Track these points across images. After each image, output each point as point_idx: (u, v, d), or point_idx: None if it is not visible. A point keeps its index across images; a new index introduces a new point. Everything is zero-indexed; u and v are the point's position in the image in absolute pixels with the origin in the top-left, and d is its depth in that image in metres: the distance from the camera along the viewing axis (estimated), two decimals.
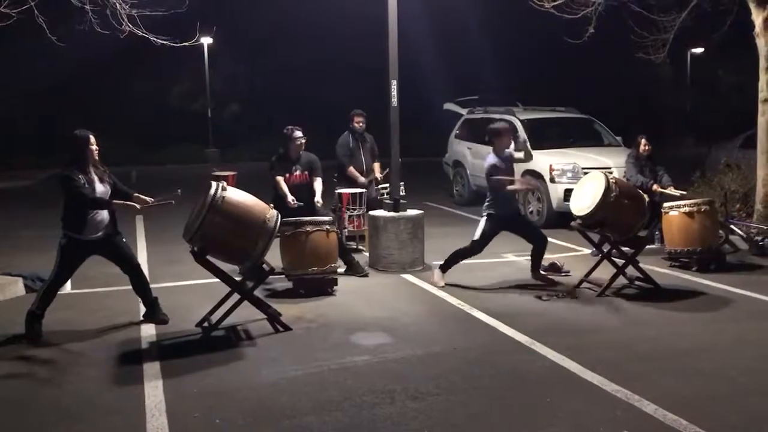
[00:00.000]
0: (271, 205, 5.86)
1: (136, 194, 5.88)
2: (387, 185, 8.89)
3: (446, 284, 7.18)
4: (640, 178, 8.41)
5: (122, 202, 5.75)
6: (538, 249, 7.27)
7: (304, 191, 7.63)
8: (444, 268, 7.31)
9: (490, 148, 7.26)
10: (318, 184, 7.72)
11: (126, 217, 7.11)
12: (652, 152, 8.70)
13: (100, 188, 5.70)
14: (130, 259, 6.01)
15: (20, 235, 10.69)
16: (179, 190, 5.81)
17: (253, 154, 26.61)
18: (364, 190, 8.80)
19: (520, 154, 7.48)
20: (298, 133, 7.67)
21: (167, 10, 8.00)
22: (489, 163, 7.09)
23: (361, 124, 9.11)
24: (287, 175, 7.63)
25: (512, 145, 7.37)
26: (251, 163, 22.44)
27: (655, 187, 8.36)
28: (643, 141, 8.68)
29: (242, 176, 10.88)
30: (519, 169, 10.33)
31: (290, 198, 7.43)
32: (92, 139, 5.70)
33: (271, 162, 7.80)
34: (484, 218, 7.19)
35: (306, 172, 7.70)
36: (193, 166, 24.98)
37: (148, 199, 5.85)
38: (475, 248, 7.24)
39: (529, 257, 7.37)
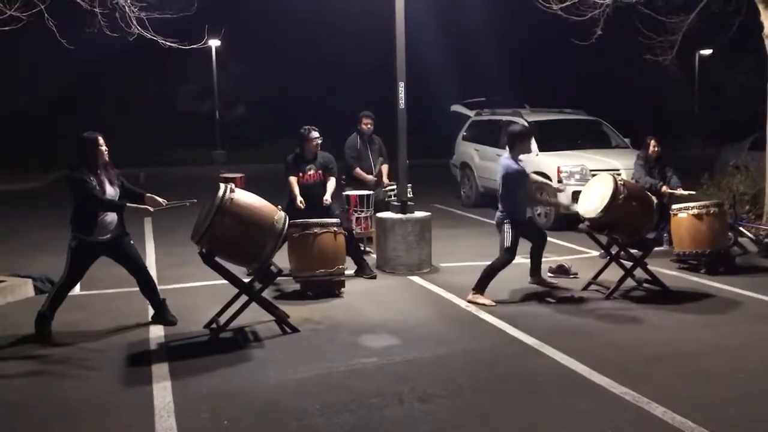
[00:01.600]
0: (280, 207, 5.87)
1: (149, 194, 5.90)
2: (394, 187, 8.89)
3: (451, 286, 7.17)
4: (648, 180, 8.39)
5: (135, 205, 5.77)
6: (539, 250, 7.17)
7: (317, 191, 7.66)
8: (481, 288, 6.73)
9: (497, 150, 7.21)
10: (330, 184, 7.75)
11: (135, 219, 7.13)
12: (661, 154, 8.69)
13: (110, 190, 5.72)
14: (138, 261, 6.03)
15: (29, 236, 10.73)
16: (195, 200, 5.85)
17: (261, 156, 26.65)
18: (371, 192, 8.80)
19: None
20: (315, 134, 7.70)
21: (176, 13, 8.04)
22: (509, 169, 6.61)
23: (369, 126, 9.11)
24: (300, 174, 7.67)
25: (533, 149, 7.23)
26: (259, 165, 22.48)
27: (663, 189, 8.35)
28: (653, 143, 8.67)
29: (250, 178, 10.89)
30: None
31: (299, 199, 7.46)
32: (101, 140, 5.72)
33: (285, 161, 7.83)
34: (509, 225, 6.67)
35: (320, 172, 7.73)
36: (201, 167, 25.02)
37: (161, 200, 5.86)
38: (508, 258, 6.74)
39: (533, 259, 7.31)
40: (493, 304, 6.56)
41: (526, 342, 5.50)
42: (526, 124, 11.90)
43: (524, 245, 7.44)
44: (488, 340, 5.59)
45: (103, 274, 7.06)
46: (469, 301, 6.61)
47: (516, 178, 6.62)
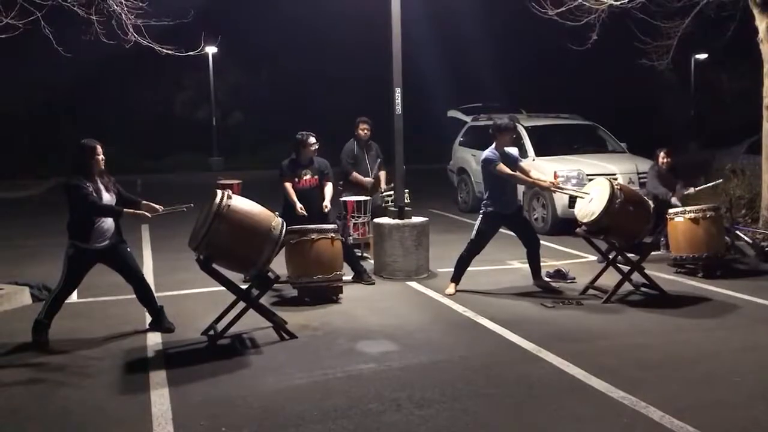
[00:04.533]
0: (277, 213, 5.86)
1: (145, 201, 5.91)
2: (391, 193, 8.89)
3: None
4: (661, 190, 8.54)
5: (132, 210, 5.77)
6: (533, 253, 7.31)
7: (314, 196, 7.63)
8: (455, 279, 7.26)
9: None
10: (328, 189, 7.73)
11: (132, 225, 7.14)
12: (674, 164, 8.81)
13: (107, 197, 5.72)
14: (134, 268, 6.02)
15: (26, 243, 10.72)
16: (192, 204, 5.85)
17: (258, 162, 26.68)
18: (368, 198, 8.80)
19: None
20: (312, 139, 7.68)
21: (172, 20, 8.04)
22: (485, 155, 7.11)
23: (366, 132, 9.11)
24: (296, 179, 7.64)
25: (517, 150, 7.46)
26: (255, 172, 22.49)
27: (673, 199, 8.45)
28: (662, 154, 8.80)
29: (247, 184, 10.90)
30: None
31: (299, 206, 7.43)
32: (99, 149, 5.72)
33: (281, 166, 7.81)
34: (481, 216, 7.22)
35: (316, 177, 7.71)
36: (198, 174, 25.03)
37: (158, 207, 5.86)
38: (473, 249, 7.22)
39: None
40: (453, 292, 7.12)
41: (523, 347, 5.49)
42: (521, 128, 11.95)
43: (520, 248, 7.48)
44: (486, 345, 5.58)
45: (99, 281, 7.05)
46: (446, 294, 7.09)
47: (493, 160, 6.97)
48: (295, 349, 5.53)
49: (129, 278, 5.99)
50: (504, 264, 8.61)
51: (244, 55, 31.54)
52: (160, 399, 4.55)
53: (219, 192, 5.53)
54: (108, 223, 5.75)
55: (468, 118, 14.79)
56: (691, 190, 8.79)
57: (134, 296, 6.08)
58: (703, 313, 6.42)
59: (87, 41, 7.92)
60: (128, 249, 6.00)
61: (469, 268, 7.33)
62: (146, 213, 5.80)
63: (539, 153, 11.61)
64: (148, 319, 6.12)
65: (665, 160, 8.79)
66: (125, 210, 5.72)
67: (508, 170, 6.98)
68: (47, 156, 24.69)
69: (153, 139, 30.03)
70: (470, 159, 13.57)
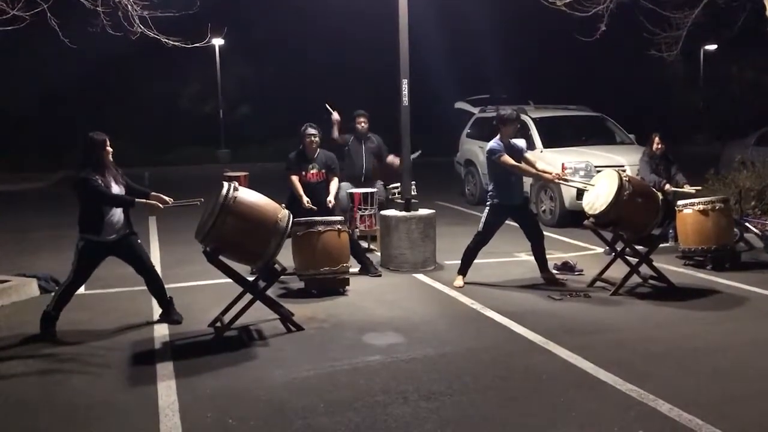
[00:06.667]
0: (283, 204, 5.85)
1: (154, 193, 5.91)
2: (398, 185, 8.86)
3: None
4: (653, 178, 8.34)
5: (145, 200, 5.77)
6: (537, 246, 7.28)
7: (320, 190, 7.59)
8: (462, 272, 7.25)
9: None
10: (333, 184, 7.69)
11: (140, 218, 7.13)
12: (667, 150, 8.64)
13: (116, 189, 5.73)
14: (145, 260, 6.03)
15: (34, 236, 10.75)
16: (201, 200, 5.84)
17: (264, 154, 26.70)
18: (375, 190, 8.77)
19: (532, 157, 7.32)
20: (310, 130, 7.62)
21: (178, 12, 8.01)
22: (489, 146, 7.12)
23: (363, 125, 9.06)
24: (302, 173, 7.61)
25: (524, 142, 7.42)
26: (262, 164, 22.48)
27: (667, 186, 8.28)
28: (656, 139, 8.62)
29: (254, 177, 10.90)
30: None
31: (305, 199, 7.40)
32: (107, 141, 5.73)
33: (287, 159, 7.79)
34: (487, 208, 7.22)
35: (323, 171, 7.67)
36: (205, 167, 25.07)
37: (167, 198, 5.86)
38: (480, 241, 7.21)
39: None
40: (461, 285, 7.08)
41: (531, 339, 5.48)
42: (529, 120, 11.91)
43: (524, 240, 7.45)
44: (493, 338, 5.57)
45: (107, 273, 7.06)
46: (455, 287, 7.05)
47: (497, 151, 6.98)
48: (302, 342, 5.53)
49: (140, 270, 6.00)
50: (511, 256, 8.59)
51: (250, 47, 31.49)
52: (167, 391, 4.56)
53: (225, 184, 5.53)
54: (118, 215, 5.75)
55: (475, 110, 14.73)
56: (688, 188, 8.49)
57: (141, 288, 6.09)
58: (711, 306, 6.39)
59: (93, 34, 7.90)
60: (139, 241, 6.01)
61: (476, 261, 7.31)
62: (158, 203, 5.81)
63: (547, 144, 11.56)
64: (156, 311, 6.13)
65: (659, 145, 8.61)
66: (137, 199, 5.73)
67: (512, 161, 6.96)
68: (54, 149, 24.74)
69: (160, 132, 30.05)
70: (477, 151, 13.52)
